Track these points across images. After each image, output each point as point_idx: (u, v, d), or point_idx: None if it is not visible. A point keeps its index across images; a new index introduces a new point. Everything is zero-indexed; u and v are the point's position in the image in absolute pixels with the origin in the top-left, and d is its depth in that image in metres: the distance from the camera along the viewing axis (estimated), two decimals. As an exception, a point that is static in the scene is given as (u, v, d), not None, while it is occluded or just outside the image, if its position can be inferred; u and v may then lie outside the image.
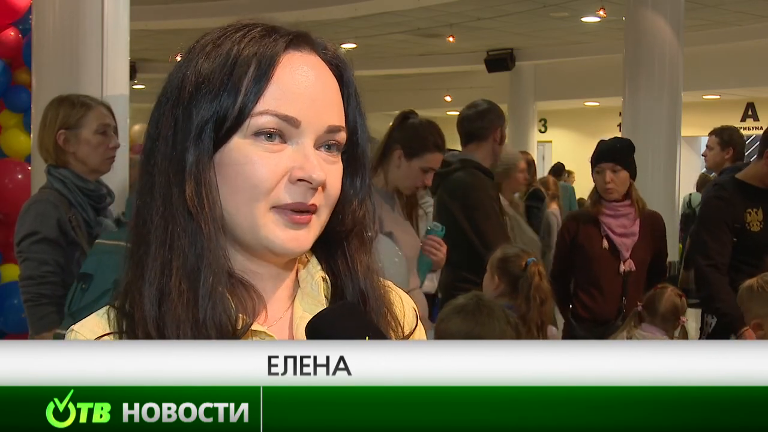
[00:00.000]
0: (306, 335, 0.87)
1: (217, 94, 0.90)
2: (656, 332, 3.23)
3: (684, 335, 3.36)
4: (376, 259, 1.03)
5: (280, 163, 0.91)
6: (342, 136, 0.96)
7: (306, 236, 0.93)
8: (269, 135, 0.91)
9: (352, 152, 1.00)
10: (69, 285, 2.75)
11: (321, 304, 0.99)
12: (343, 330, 0.85)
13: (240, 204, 0.91)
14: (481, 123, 3.82)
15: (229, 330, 0.90)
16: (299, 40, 0.96)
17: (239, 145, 0.91)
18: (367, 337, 0.84)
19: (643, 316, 3.32)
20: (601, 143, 3.86)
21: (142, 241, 0.92)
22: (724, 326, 3.51)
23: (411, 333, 1.06)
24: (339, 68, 0.99)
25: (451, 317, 2.54)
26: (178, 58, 0.97)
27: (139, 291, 0.91)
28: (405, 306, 1.08)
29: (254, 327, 0.93)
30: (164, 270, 0.90)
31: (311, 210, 0.93)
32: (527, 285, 3.02)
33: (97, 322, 0.94)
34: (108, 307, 0.95)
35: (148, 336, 0.88)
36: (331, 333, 0.85)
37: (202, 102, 0.91)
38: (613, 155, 3.76)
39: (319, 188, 0.92)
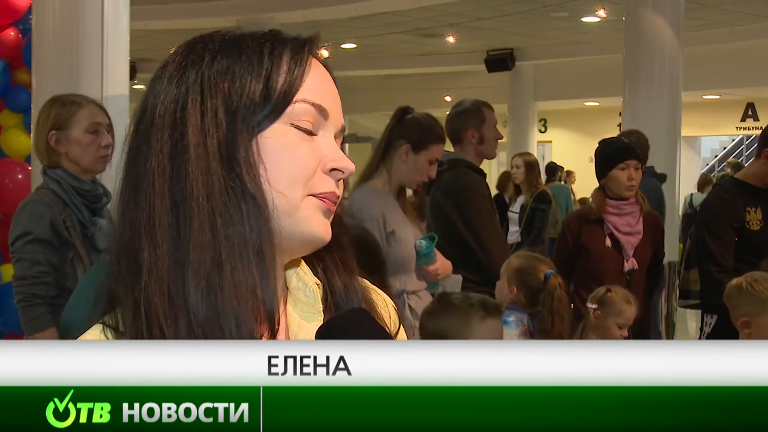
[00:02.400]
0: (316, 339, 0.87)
1: (256, 71, 0.91)
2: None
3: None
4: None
5: (316, 151, 0.93)
6: (340, 140, 0.99)
7: (330, 228, 0.95)
8: (307, 123, 0.93)
9: None
10: (62, 285, 2.77)
11: (318, 311, 0.98)
12: (353, 335, 0.85)
13: (280, 188, 0.91)
14: (454, 125, 3.85)
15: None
16: (313, 42, 0.98)
17: (280, 130, 0.92)
18: None
19: (596, 315, 3.31)
20: (615, 141, 3.86)
21: (163, 243, 0.88)
22: (730, 326, 3.52)
23: (396, 334, 1.06)
24: (331, 74, 1.01)
25: (423, 324, 2.58)
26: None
27: (177, 293, 0.86)
28: (388, 306, 1.08)
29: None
30: (214, 263, 0.87)
31: (337, 201, 0.96)
32: (550, 298, 3.05)
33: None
34: (101, 326, 0.91)
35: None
36: (342, 338, 0.85)
37: (241, 75, 0.91)
38: (635, 152, 3.77)
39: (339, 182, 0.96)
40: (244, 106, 0.90)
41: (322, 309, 0.99)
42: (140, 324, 0.87)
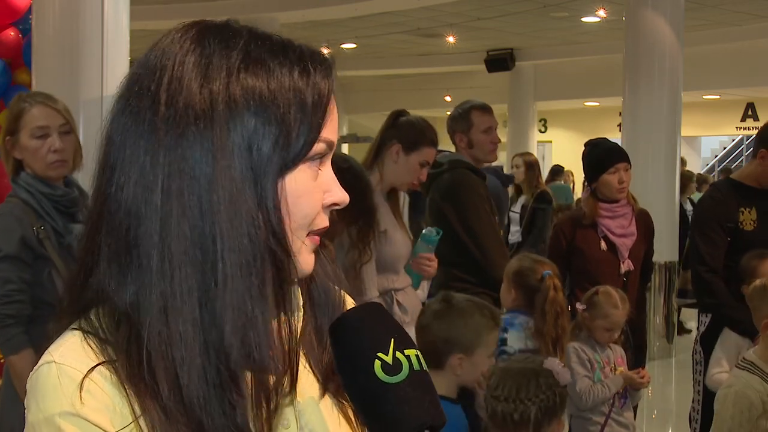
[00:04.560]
0: (330, 335, 0.87)
1: (288, 127, 0.85)
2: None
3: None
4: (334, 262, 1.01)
5: (320, 188, 0.90)
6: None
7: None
8: (319, 159, 0.89)
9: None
10: (40, 299, 2.60)
11: (297, 307, 0.97)
12: (369, 329, 0.85)
13: (290, 229, 0.87)
14: (447, 129, 3.88)
15: None
16: (333, 67, 0.93)
17: (300, 173, 0.87)
18: (392, 339, 0.83)
19: (584, 317, 3.32)
20: (602, 144, 3.84)
21: (183, 280, 0.83)
22: (722, 325, 3.53)
23: None
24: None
25: (429, 326, 2.57)
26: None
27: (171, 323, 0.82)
28: None
29: None
30: (244, 313, 0.83)
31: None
32: (542, 299, 3.05)
33: (79, 350, 0.84)
34: (81, 334, 0.85)
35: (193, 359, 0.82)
36: (358, 333, 0.85)
37: (264, 132, 0.85)
38: (625, 155, 3.77)
39: None
40: (275, 143, 0.85)
41: (302, 304, 0.97)
42: (136, 351, 0.83)
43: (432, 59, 14.91)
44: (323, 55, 0.92)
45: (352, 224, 2.90)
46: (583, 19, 11.53)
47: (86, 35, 4.29)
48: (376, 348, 0.82)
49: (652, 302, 7.57)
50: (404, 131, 3.24)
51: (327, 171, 0.91)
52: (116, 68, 4.36)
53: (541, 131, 17.40)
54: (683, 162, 14.00)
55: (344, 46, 13.46)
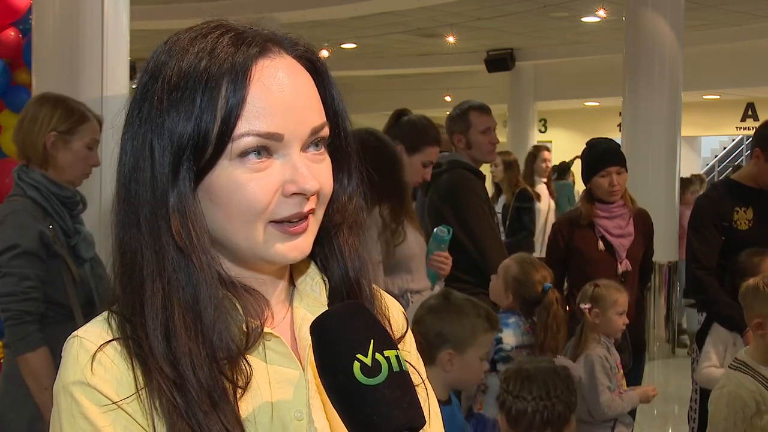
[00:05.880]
0: (311, 334, 0.86)
1: (191, 115, 0.87)
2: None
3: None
4: (368, 249, 1.01)
5: (271, 179, 0.89)
6: (326, 131, 0.94)
7: (306, 241, 0.93)
8: (256, 153, 0.88)
9: (337, 142, 0.98)
10: (51, 298, 2.62)
11: (322, 305, 0.98)
12: (349, 330, 0.84)
13: (237, 226, 0.90)
14: (446, 130, 3.88)
15: (234, 349, 0.89)
16: (268, 45, 0.91)
17: (226, 169, 0.88)
18: (372, 340, 0.83)
19: (594, 314, 3.32)
20: (598, 146, 3.85)
21: (133, 273, 0.90)
22: (718, 323, 3.55)
23: (402, 337, 1.05)
24: (311, 60, 0.95)
25: (423, 318, 2.57)
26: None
27: (142, 325, 0.89)
28: (395, 310, 1.07)
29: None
30: (165, 305, 0.88)
31: (308, 215, 0.92)
32: (546, 313, 3.07)
33: (100, 327, 0.92)
34: (108, 313, 0.93)
35: (161, 369, 0.86)
36: (337, 333, 0.84)
37: (177, 123, 0.88)
38: (618, 158, 3.76)
39: None
40: (178, 150, 0.88)
41: (327, 303, 0.98)
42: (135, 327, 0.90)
43: (432, 59, 14.90)
44: (265, 34, 0.92)
45: (384, 202, 2.89)
46: (583, 19, 11.52)
47: (86, 35, 4.29)
48: (355, 349, 0.81)
49: (653, 302, 7.57)
50: (406, 132, 3.26)
51: (288, 159, 0.90)
52: (116, 68, 4.36)
53: (541, 131, 17.39)
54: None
55: (344, 46, 13.45)
